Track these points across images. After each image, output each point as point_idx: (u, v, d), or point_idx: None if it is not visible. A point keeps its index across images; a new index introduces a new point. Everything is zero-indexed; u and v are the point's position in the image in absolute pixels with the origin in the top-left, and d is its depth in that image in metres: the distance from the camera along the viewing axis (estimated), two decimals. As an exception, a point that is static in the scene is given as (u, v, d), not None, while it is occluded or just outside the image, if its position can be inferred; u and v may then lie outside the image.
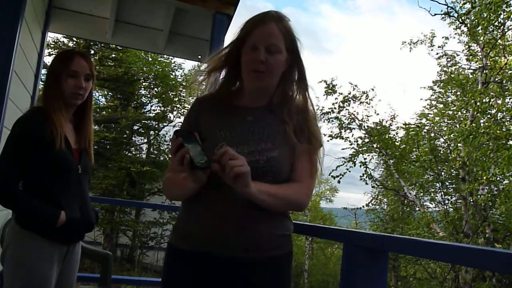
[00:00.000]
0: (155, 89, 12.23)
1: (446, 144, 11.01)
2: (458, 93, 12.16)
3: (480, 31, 10.22)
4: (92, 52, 11.19)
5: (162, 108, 11.98)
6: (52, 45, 10.50)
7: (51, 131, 1.76)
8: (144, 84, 12.20)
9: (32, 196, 1.76)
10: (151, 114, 11.89)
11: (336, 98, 11.51)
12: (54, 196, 1.78)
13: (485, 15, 9.50)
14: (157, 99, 12.12)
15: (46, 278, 1.75)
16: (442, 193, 11.36)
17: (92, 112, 2.02)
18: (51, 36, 11.35)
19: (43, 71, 4.06)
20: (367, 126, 11.51)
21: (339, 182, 11.56)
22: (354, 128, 11.58)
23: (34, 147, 1.76)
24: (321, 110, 11.59)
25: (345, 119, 11.59)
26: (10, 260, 1.74)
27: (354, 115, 11.53)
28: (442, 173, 11.04)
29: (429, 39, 12.25)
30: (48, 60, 7.56)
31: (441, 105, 13.63)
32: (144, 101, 12.22)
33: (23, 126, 1.79)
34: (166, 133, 11.83)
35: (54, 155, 1.77)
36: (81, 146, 1.93)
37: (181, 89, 12.19)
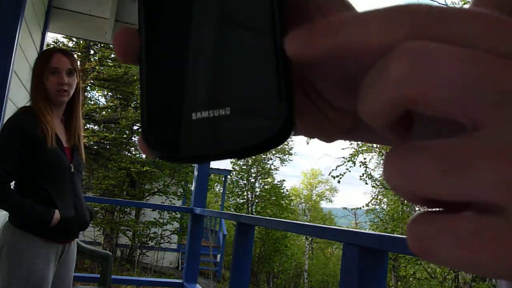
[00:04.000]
0: (155, 89, 12.23)
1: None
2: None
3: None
4: (92, 52, 11.18)
5: (162, 108, 11.97)
6: (52, 46, 10.50)
7: (42, 129, 1.76)
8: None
9: (26, 196, 1.77)
10: (150, 114, 11.88)
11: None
12: (48, 195, 1.79)
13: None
14: (156, 99, 12.13)
15: (42, 277, 1.75)
16: (442, 193, 11.36)
17: (80, 108, 1.99)
18: (50, 37, 11.37)
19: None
20: (367, 126, 11.52)
21: (339, 182, 11.59)
22: (354, 128, 11.59)
23: (25, 145, 1.76)
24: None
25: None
26: (5, 260, 1.74)
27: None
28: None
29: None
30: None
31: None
32: (144, 101, 12.23)
33: (13, 125, 1.79)
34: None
35: (46, 154, 1.78)
36: (72, 144, 1.92)
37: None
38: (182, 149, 0.18)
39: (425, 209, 0.15)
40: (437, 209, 0.14)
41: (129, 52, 0.20)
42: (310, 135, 0.24)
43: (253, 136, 0.17)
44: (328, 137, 0.24)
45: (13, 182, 1.83)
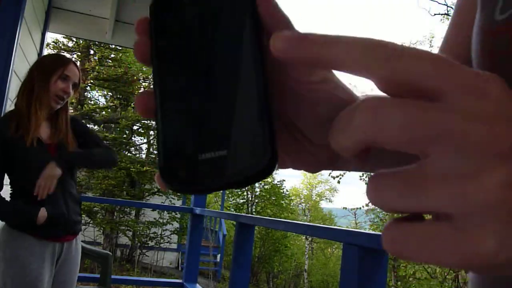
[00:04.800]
0: (155, 89, 12.21)
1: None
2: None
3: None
4: (92, 52, 11.18)
5: (162, 108, 11.96)
6: (51, 46, 10.50)
7: (15, 131, 1.77)
8: (143, 84, 12.20)
9: (19, 199, 1.79)
10: (150, 114, 11.87)
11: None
12: (34, 194, 1.79)
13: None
14: (156, 99, 12.11)
15: (36, 276, 1.75)
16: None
17: (68, 106, 1.99)
18: (50, 37, 11.36)
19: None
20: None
21: (338, 182, 11.60)
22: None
23: (5, 151, 1.77)
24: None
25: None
26: (0, 260, 1.75)
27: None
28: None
29: (428, 40, 12.34)
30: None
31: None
32: (144, 101, 12.22)
33: None
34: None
35: (23, 155, 1.79)
36: (57, 139, 1.91)
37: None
38: (191, 183, 0.23)
39: (398, 217, 0.19)
40: (407, 216, 0.19)
41: (147, 108, 0.25)
42: (298, 167, 0.30)
43: (245, 172, 0.22)
44: (313, 169, 0.30)
45: (10, 188, 1.85)
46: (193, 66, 0.25)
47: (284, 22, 0.25)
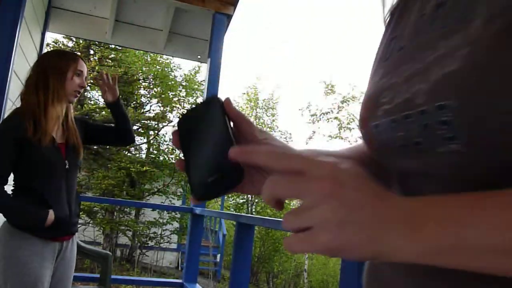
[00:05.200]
0: (155, 89, 12.21)
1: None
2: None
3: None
4: (92, 52, 11.18)
5: (162, 108, 11.96)
6: (51, 46, 10.49)
7: (33, 130, 1.77)
8: (143, 84, 12.20)
9: (22, 197, 1.78)
10: (150, 114, 11.89)
11: (335, 99, 11.55)
12: (43, 195, 1.79)
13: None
14: (156, 99, 12.11)
15: (37, 275, 1.75)
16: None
17: (73, 106, 2.03)
18: (50, 37, 11.36)
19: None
20: (367, 126, 11.54)
21: (338, 182, 11.59)
22: (353, 128, 11.62)
23: (18, 149, 1.76)
24: (320, 110, 11.62)
25: (345, 119, 11.60)
26: (1, 258, 1.75)
27: (353, 115, 11.56)
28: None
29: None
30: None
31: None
32: (144, 101, 12.22)
33: (5, 130, 1.79)
34: (166, 133, 11.83)
35: (37, 154, 1.78)
36: (69, 140, 1.92)
37: (180, 89, 12.19)
38: (205, 194, 0.48)
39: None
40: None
41: (182, 166, 0.51)
42: (250, 193, 0.53)
43: (227, 186, 0.47)
44: (258, 193, 0.52)
45: (13, 185, 1.84)
46: (198, 144, 0.50)
47: (241, 117, 0.50)
